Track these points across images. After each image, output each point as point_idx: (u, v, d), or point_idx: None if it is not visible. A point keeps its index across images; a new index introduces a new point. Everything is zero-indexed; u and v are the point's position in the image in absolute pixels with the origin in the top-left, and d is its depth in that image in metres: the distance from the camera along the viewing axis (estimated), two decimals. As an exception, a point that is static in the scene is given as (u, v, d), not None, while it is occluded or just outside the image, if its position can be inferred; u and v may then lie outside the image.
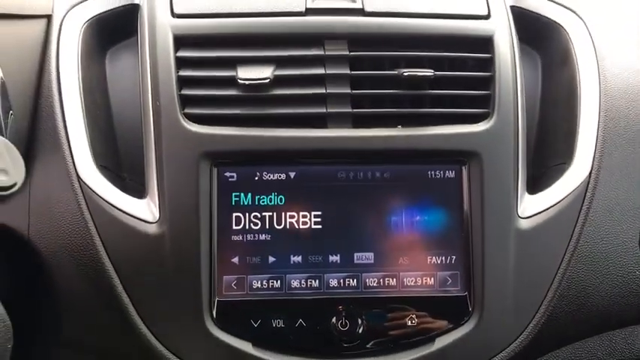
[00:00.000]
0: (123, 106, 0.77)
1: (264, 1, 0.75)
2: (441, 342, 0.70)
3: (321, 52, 0.73)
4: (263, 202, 0.70)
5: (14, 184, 0.60)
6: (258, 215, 0.70)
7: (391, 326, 0.70)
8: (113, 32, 0.80)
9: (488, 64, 0.75)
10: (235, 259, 0.70)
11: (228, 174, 0.70)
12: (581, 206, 0.73)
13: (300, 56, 0.73)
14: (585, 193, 0.73)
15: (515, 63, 0.76)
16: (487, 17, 0.77)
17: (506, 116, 0.73)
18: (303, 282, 0.70)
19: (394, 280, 0.71)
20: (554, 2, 0.84)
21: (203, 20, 0.74)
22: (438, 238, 0.71)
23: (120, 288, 0.69)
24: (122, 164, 0.76)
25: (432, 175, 0.72)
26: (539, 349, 0.75)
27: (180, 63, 0.72)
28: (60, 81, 0.73)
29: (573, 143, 0.75)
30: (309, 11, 0.74)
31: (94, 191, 0.69)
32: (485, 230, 0.70)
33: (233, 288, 0.70)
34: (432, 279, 0.71)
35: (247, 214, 0.70)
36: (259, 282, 0.70)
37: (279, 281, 0.70)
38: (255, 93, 0.71)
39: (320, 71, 0.73)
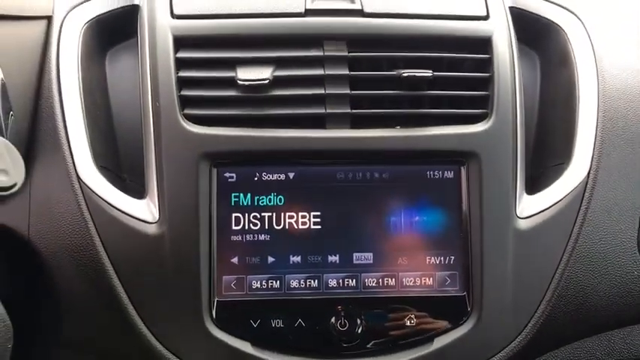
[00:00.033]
0: (123, 107, 0.78)
1: (264, 2, 0.75)
2: (439, 342, 0.71)
3: (320, 53, 0.73)
4: (262, 202, 0.71)
5: (14, 185, 0.60)
6: (258, 215, 0.70)
7: (390, 326, 0.71)
8: (113, 33, 0.80)
9: (487, 64, 0.75)
10: (235, 260, 0.70)
11: (227, 174, 0.71)
12: (580, 206, 0.73)
13: (299, 57, 0.73)
14: (584, 194, 0.74)
15: (513, 63, 0.76)
16: (486, 18, 0.77)
17: (504, 117, 0.73)
18: (302, 282, 0.70)
19: (393, 280, 0.71)
20: (553, 3, 0.84)
21: (203, 21, 0.74)
22: (436, 239, 0.72)
23: (120, 288, 0.69)
24: (122, 165, 0.76)
25: (430, 175, 0.72)
26: (537, 349, 0.76)
27: (180, 64, 0.72)
28: (60, 82, 0.73)
29: (572, 143, 0.76)
30: (309, 12, 0.75)
31: (94, 192, 0.70)
32: (484, 230, 0.71)
33: (232, 288, 0.70)
34: (431, 279, 0.71)
35: (247, 215, 0.70)
36: (259, 282, 0.70)
37: (278, 281, 0.70)
38: (255, 94, 0.72)
39: (319, 72, 0.73)
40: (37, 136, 0.72)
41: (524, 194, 0.74)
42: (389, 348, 0.71)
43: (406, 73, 0.72)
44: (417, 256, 0.71)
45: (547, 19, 0.83)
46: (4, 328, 0.64)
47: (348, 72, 0.73)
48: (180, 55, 0.72)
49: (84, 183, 0.70)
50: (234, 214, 0.70)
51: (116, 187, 0.71)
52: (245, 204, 0.70)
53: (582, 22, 0.82)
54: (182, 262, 0.69)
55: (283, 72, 0.72)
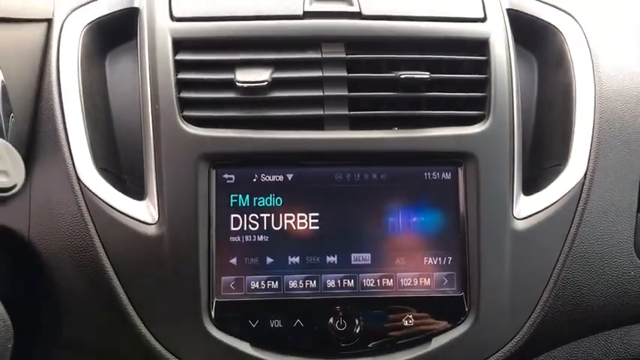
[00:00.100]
0: (123, 109, 0.78)
1: (262, 5, 0.75)
2: (437, 342, 0.71)
3: (318, 55, 0.74)
4: (261, 203, 0.71)
5: (14, 186, 0.60)
6: (256, 216, 0.71)
7: (388, 326, 0.71)
8: (113, 35, 0.80)
9: (484, 66, 0.75)
10: (233, 260, 0.70)
11: (226, 176, 0.71)
12: (577, 207, 0.74)
13: (297, 59, 0.74)
14: (580, 195, 0.74)
15: (510, 65, 0.76)
16: (483, 20, 0.77)
17: (501, 118, 0.73)
18: (300, 282, 0.71)
19: (391, 280, 0.71)
20: (550, 5, 0.84)
21: (202, 24, 0.74)
22: (434, 239, 0.72)
23: (119, 289, 0.69)
24: (122, 166, 0.76)
25: (428, 176, 0.72)
26: (534, 349, 0.76)
27: (179, 66, 0.73)
28: (60, 84, 0.73)
29: (568, 145, 0.76)
30: (307, 14, 0.75)
31: (93, 193, 0.70)
32: (481, 231, 0.71)
33: (231, 289, 0.70)
34: (429, 279, 0.71)
35: (245, 216, 0.71)
36: (257, 283, 0.70)
37: (277, 282, 0.70)
38: (254, 95, 0.72)
39: (317, 74, 0.73)
40: (37, 138, 0.72)
41: (522, 195, 0.74)
42: (387, 348, 0.71)
43: (404, 74, 0.72)
44: (415, 257, 0.72)
45: (544, 20, 0.83)
46: (4, 328, 0.64)
47: (346, 74, 0.73)
48: (179, 57, 0.73)
49: (84, 184, 0.70)
50: (233, 215, 0.71)
51: (116, 188, 0.71)
52: (244, 205, 0.71)
53: (579, 24, 0.82)
54: (181, 263, 0.69)
55: (282, 74, 0.73)
